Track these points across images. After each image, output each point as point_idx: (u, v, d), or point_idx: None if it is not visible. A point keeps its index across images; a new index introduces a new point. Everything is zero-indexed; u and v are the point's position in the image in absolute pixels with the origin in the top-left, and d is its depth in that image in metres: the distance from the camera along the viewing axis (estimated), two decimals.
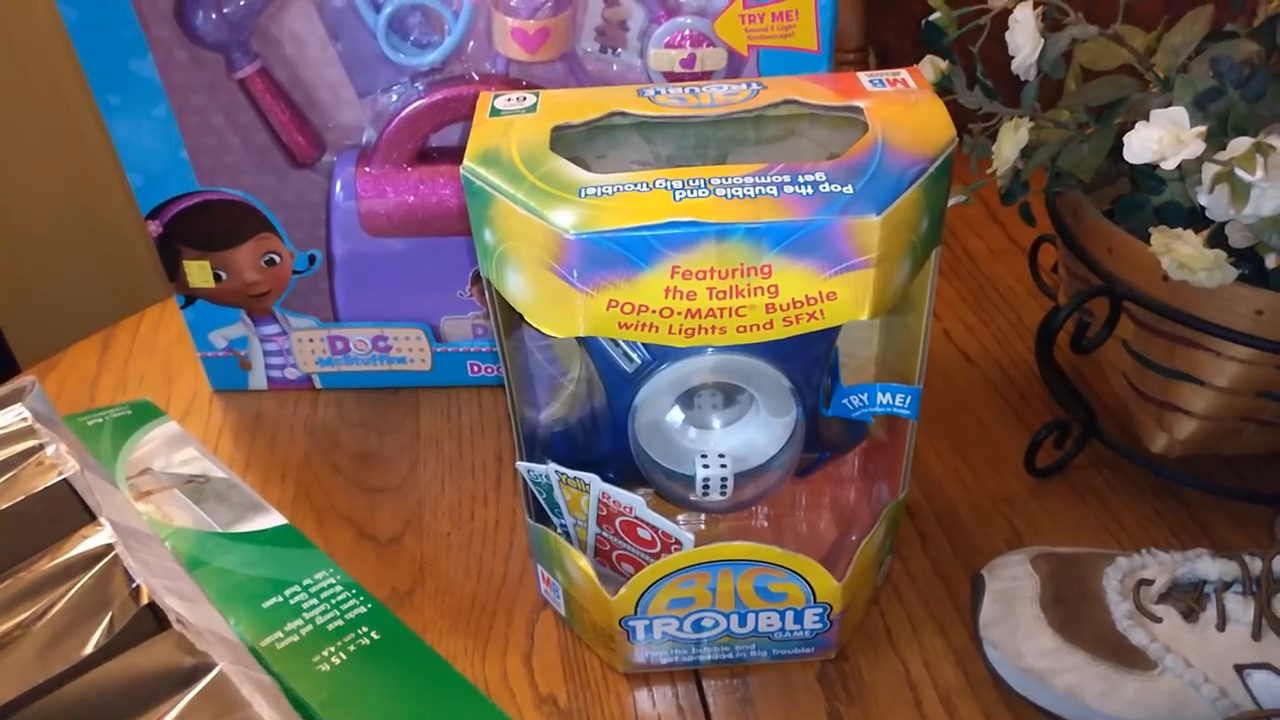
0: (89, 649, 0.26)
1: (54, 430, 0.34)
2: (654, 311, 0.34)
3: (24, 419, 0.34)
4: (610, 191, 0.33)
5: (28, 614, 0.27)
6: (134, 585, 0.27)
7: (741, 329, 0.34)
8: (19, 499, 0.30)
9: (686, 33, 0.49)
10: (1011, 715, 0.43)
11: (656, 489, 0.44)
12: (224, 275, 0.57)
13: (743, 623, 0.42)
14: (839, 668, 0.45)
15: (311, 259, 0.56)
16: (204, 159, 0.53)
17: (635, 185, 0.33)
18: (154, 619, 0.27)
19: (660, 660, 0.44)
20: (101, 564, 0.28)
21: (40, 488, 0.30)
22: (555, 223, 0.32)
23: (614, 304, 0.33)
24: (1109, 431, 0.53)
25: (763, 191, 0.33)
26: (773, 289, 0.33)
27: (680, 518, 0.49)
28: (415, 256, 0.56)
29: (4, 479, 0.31)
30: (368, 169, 0.54)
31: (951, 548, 0.50)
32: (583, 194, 0.33)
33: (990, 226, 0.73)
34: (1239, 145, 0.37)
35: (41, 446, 0.32)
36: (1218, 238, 0.42)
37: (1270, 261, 0.42)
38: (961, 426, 0.57)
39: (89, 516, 0.30)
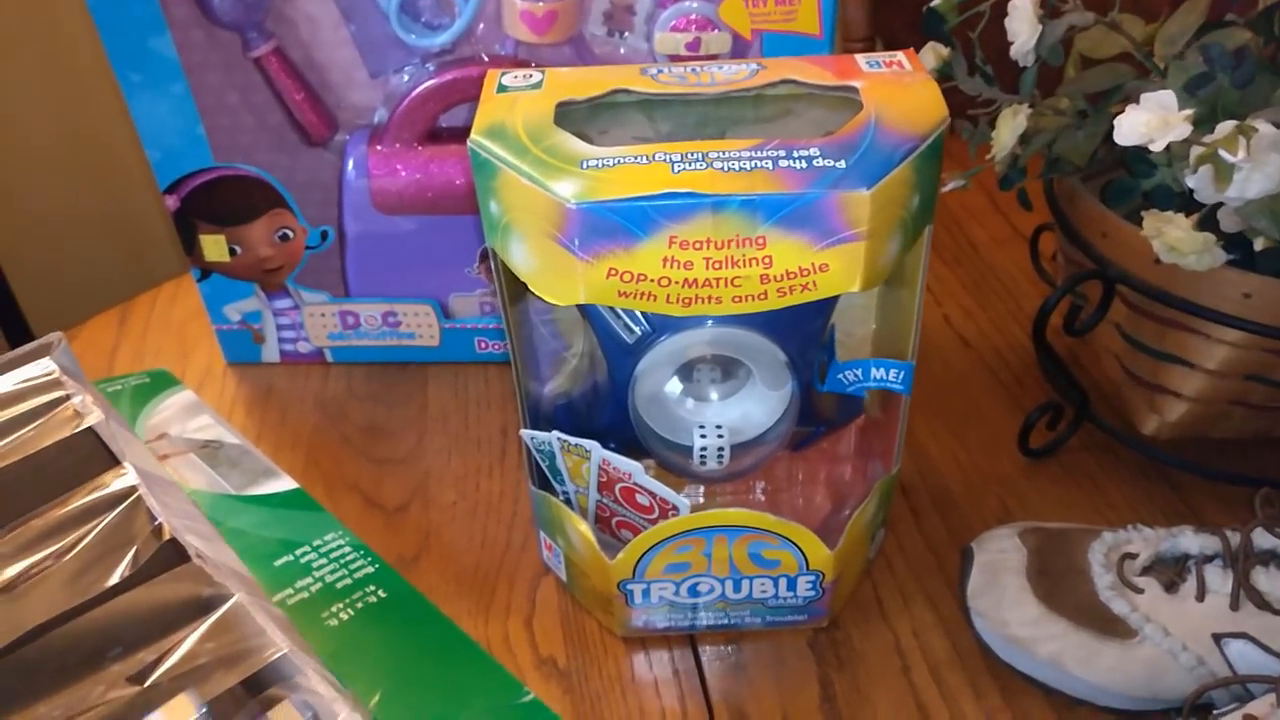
0: (114, 579, 0.28)
1: (79, 382, 0.36)
2: (652, 280, 0.35)
3: (51, 372, 0.35)
4: (611, 163, 0.34)
5: (58, 547, 0.28)
6: (156, 523, 0.29)
7: (737, 299, 0.35)
8: (48, 444, 0.32)
9: (692, 17, 0.50)
10: (997, 684, 0.44)
11: (656, 459, 0.45)
12: (239, 250, 0.58)
13: (737, 588, 0.44)
14: (830, 636, 0.46)
15: (324, 235, 0.58)
16: (220, 136, 0.54)
17: (635, 158, 0.34)
18: (174, 553, 0.29)
19: (657, 625, 0.45)
20: (126, 504, 0.30)
21: (68, 434, 0.32)
22: (557, 193, 0.34)
23: (613, 273, 0.35)
24: (1101, 415, 0.54)
25: (758, 165, 0.34)
26: (767, 260, 0.34)
27: (681, 491, 0.51)
28: (425, 234, 0.57)
29: (34, 426, 0.33)
30: (379, 148, 0.55)
31: (944, 525, 0.52)
32: (584, 166, 0.34)
33: (992, 215, 0.74)
34: (1224, 128, 0.38)
35: (68, 397, 0.34)
36: (1208, 222, 0.43)
37: (1258, 245, 0.43)
38: (957, 408, 0.58)
39: (113, 461, 0.32)
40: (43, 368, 0.35)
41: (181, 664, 0.25)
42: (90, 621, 0.26)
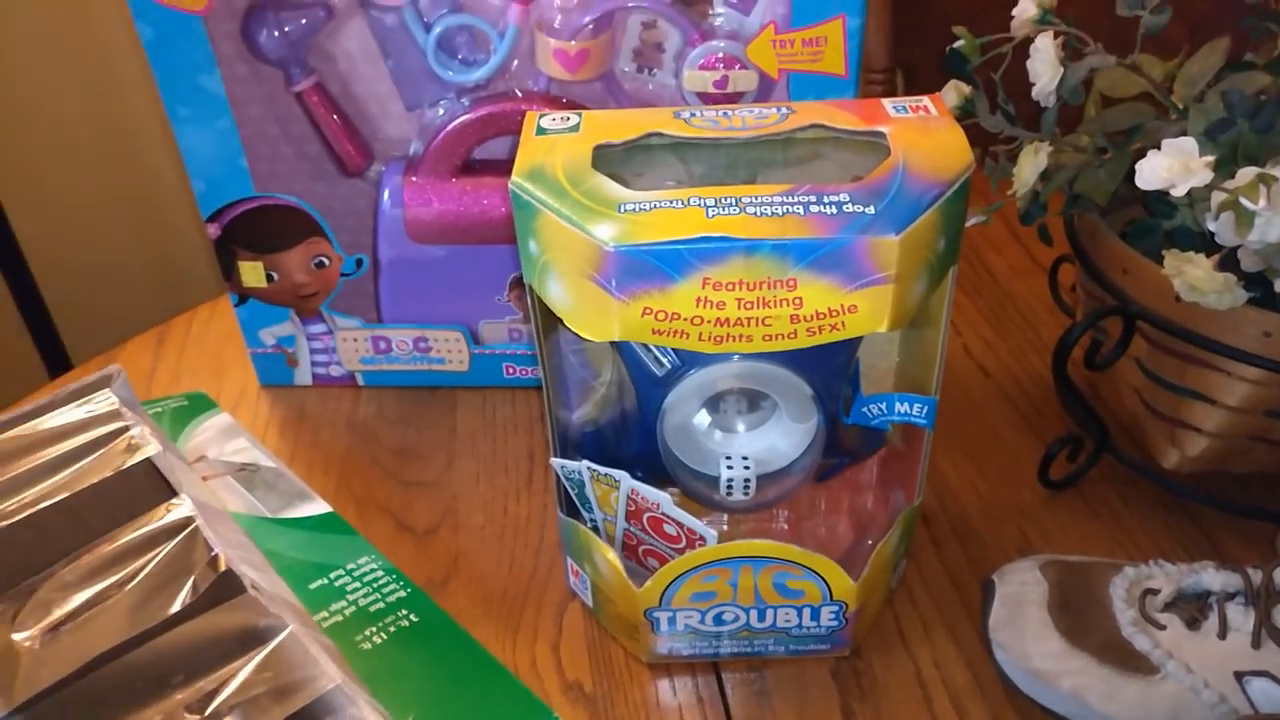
0: (175, 608, 0.29)
1: (137, 414, 0.37)
2: (685, 319, 0.36)
3: (112, 403, 0.37)
4: (647, 208, 0.35)
5: (119, 576, 0.30)
6: (213, 554, 0.30)
7: (767, 338, 0.36)
8: (109, 474, 0.33)
9: (720, 55, 0.51)
10: (1018, 715, 0.44)
11: (682, 488, 0.46)
12: (275, 276, 0.60)
13: (762, 618, 0.45)
14: (852, 665, 0.47)
15: (359, 262, 0.59)
16: (260, 166, 0.56)
17: (670, 202, 0.35)
18: (231, 584, 0.30)
19: (682, 652, 0.46)
20: (183, 534, 0.31)
21: (127, 465, 0.33)
22: (596, 236, 0.35)
23: (648, 312, 0.36)
24: (1122, 447, 0.55)
25: (790, 210, 0.35)
26: (797, 301, 0.35)
27: (705, 519, 0.52)
28: (456, 263, 0.59)
29: (95, 457, 0.34)
30: (414, 179, 0.56)
31: (965, 554, 0.52)
32: (622, 209, 0.35)
33: (1011, 245, 0.75)
34: (1244, 175, 0.39)
35: (127, 428, 0.36)
36: (1228, 262, 0.44)
37: (1278, 285, 0.44)
38: (978, 438, 0.59)
39: (171, 492, 0.33)
40: (104, 399, 0.37)
41: (238, 694, 0.27)
42: (153, 650, 0.28)
